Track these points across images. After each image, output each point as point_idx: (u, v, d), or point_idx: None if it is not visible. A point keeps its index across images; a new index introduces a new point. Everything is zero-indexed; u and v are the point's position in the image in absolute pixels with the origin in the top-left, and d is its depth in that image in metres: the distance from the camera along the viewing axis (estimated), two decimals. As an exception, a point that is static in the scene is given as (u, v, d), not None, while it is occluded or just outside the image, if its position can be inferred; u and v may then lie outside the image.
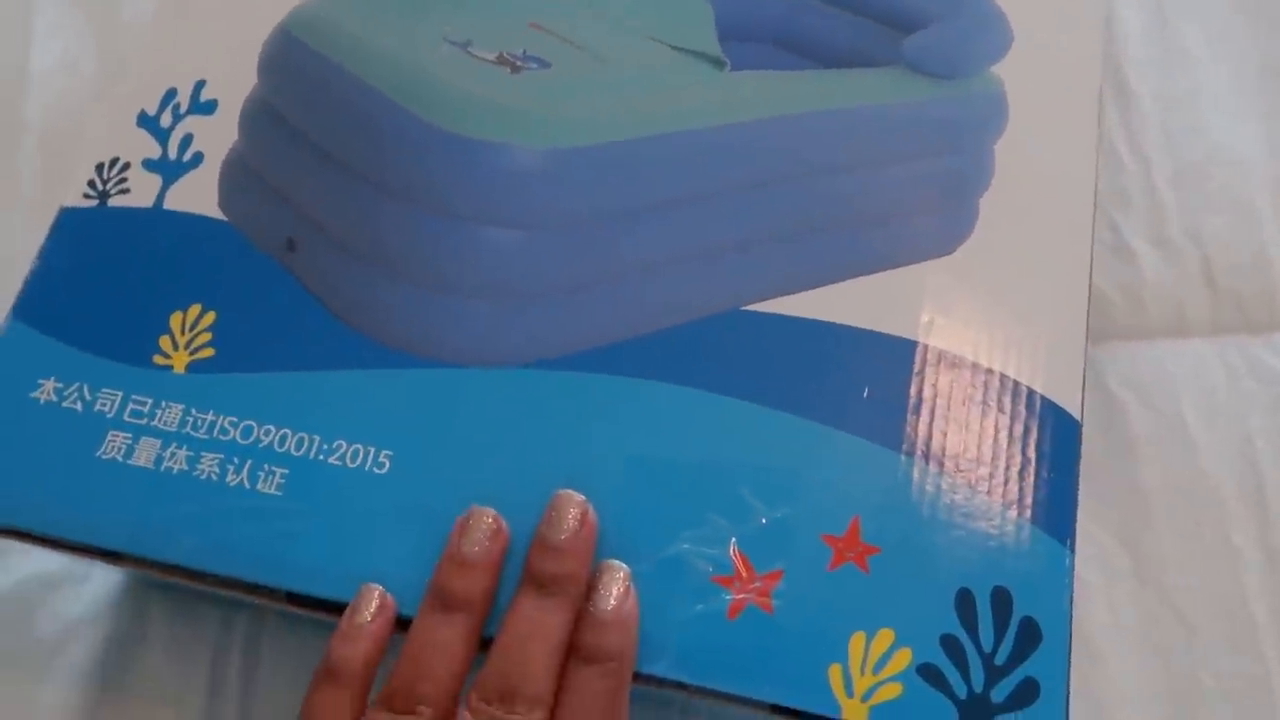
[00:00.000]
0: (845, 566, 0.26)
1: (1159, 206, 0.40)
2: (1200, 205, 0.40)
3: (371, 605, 0.25)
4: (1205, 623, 0.35)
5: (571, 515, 0.25)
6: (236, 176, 0.31)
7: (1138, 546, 0.36)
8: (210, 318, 0.29)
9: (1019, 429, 0.27)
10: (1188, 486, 0.37)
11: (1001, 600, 0.25)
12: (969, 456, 0.27)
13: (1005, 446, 0.27)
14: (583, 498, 0.26)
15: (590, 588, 0.25)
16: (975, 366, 0.28)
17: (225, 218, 0.31)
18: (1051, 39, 0.32)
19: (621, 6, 0.33)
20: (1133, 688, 0.34)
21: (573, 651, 0.24)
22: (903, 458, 0.27)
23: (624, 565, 0.25)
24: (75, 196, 0.32)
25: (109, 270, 0.30)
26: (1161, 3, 0.43)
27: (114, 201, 0.31)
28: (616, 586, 0.25)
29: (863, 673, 0.25)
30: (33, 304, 0.30)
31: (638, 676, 0.25)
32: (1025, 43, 0.32)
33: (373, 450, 0.28)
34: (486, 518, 0.26)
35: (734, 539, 0.26)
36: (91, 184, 0.32)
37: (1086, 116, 0.31)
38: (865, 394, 0.27)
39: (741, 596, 0.26)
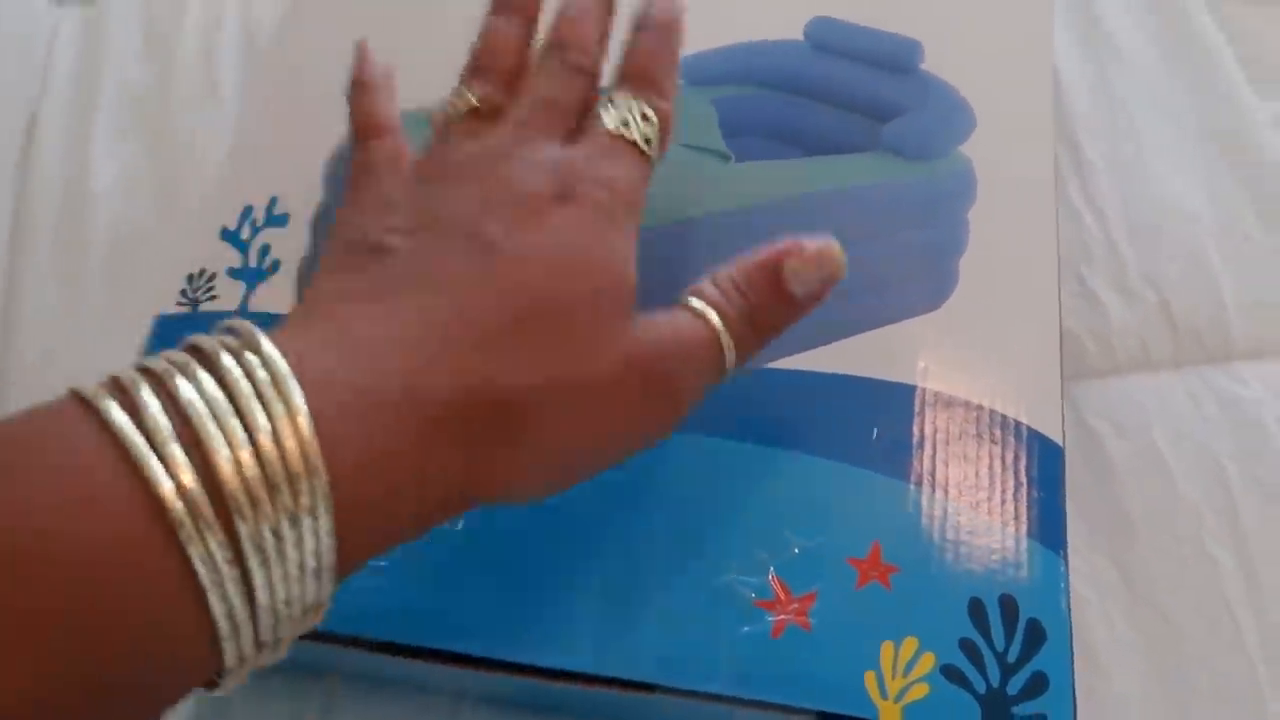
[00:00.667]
0: (870, 585, 0.30)
1: (1119, 258, 0.45)
2: (1155, 255, 0.45)
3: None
4: (1193, 629, 0.39)
5: None
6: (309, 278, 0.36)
7: (1126, 564, 0.40)
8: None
9: (1010, 456, 0.31)
10: (1166, 507, 0.40)
11: (1009, 606, 0.29)
12: (969, 483, 0.31)
13: (999, 472, 0.31)
14: None
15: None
16: (968, 404, 0.32)
17: (303, 315, 0.35)
18: (1008, 120, 0.37)
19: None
20: (1133, 691, 0.37)
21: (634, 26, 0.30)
22: (912, 487, 0.31)
23: None
24: (169, 305, 0.36)
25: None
26: (1106, 77, 0.49)
27: (204, 307, 0.36)
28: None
29: (894, 677, 0.28)
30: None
31: (692, 694, 0.29)
32: (987, 124, 0.37)
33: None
34: None
35: (772, 568, 0.30)
36: (183, 292, 0.36)
37: (1044, 183, 0.36)
38: (875, 434, 0.32)
39: (782, 617, 0.29)
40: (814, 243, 0.27)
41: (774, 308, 0.27)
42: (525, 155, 0.26)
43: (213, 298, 0.36)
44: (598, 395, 0.24)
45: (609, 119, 0.27)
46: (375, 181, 0.27)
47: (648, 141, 0.28)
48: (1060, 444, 0.31)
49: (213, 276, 0.36)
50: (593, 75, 0.29)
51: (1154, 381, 0.42)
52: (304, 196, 0.37)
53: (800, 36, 0.39)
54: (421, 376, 0.22)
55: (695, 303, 0.27)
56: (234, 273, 0.36)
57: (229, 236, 0.37)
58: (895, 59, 0.38)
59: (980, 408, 0.32)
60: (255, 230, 0.37)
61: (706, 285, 0.27)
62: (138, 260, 0.46)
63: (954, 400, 0.32)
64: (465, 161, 0.26)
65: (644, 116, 0.28)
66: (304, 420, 0.19)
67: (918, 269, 0.34)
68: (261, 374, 0.20)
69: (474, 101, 0.28)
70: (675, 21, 0.30)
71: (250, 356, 0.20)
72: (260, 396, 0.19)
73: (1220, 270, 0.44)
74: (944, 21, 0.39)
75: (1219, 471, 0.41)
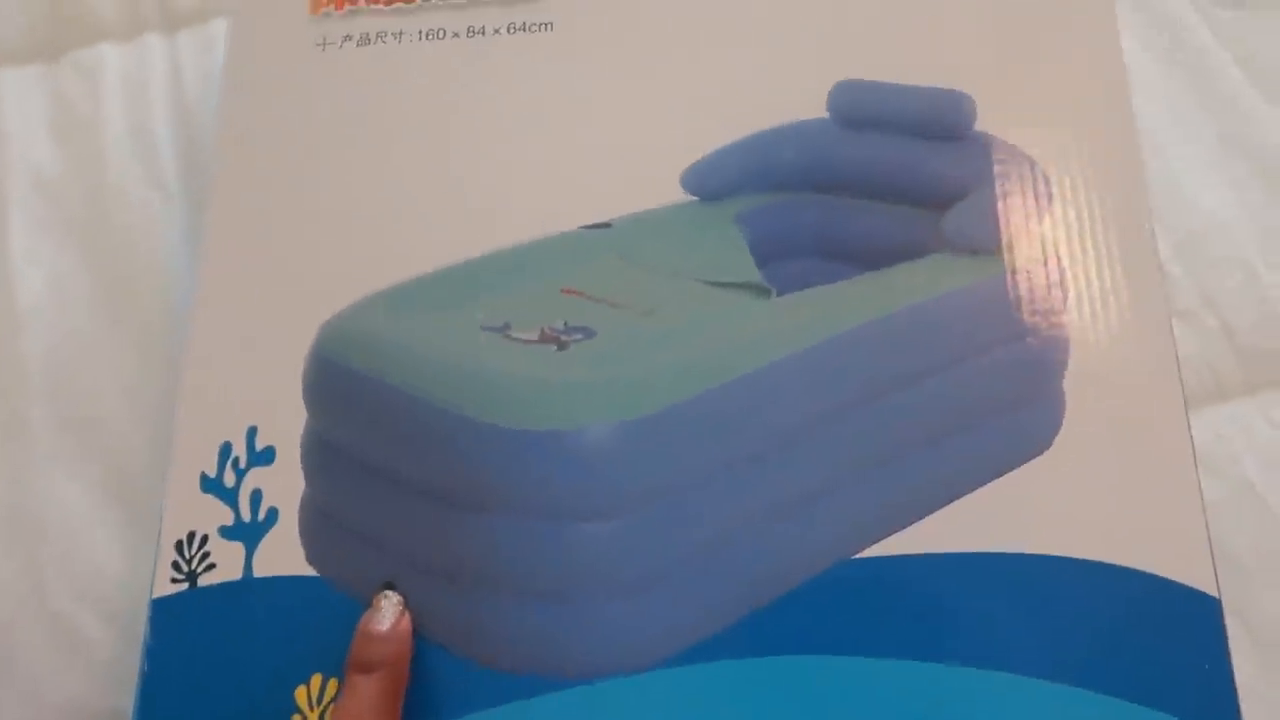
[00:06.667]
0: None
1: (1171, 279, 0.41)
2: (1206, 274, 0.41)
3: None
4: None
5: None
6: (315, 526, 0.31)
7: (1244, 611, 0.37)
8: (334, 685, 0.29)
9: (1170, 629, 0.27)
10: (1272, 542, 0.37)
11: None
12: (1129, 668, 0.27)
13: (1160, 649, 0.27)
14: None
15: (371, 610, 0.29)
16: (1109, 568, 0.28)
17: (318, 573, 0.30)
18: (1091, 181, 0.31)
19: (650, 251, 0.32)
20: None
21: (353, 666, 0.28)
22: (1066, 688, 0.27)
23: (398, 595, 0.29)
24: (162, 583, 0.31)
25: (219, 657, 0.30)
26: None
27: (204, 580, 0.31)
28: (391, 608, 0.29)
29: None
30: (152, 713, 0.29)
31: None
32: (1065, 190, 0.31)
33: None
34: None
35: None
36: (176, 565, 0.31)
37: (1148, 259, 0.31)
38: (1010, 623, 0.27)
39: None
40: None
41: None
42: None
43: (210, 567, 0.31)
44: None
45: None
46: None
47: None
48: (1217, 595, 0.27)
49: (205, 540, 0.31)
50: None
51: (1231, 411, 0.39)
52: (287, 421, 0.32)
53: (823, 109, 0.33)
54: None
55: None
56: (227, 532, 0.31)
57: (211, 487, 0.31)
58: (943, 122, 0.32)
59: (1126, 570, 0.28)
60: (240, 473, 0.31)
61: None
62: (87, 389, 0.40)
63: (1089, 565, 0.28)
64: None
65: None
66: None
67: (1016, 397, 0.29)
68: None
69: None
70: None
71: None
72: None
73: (1271, 285, 0.41)
74: (993, 63, 0.32)
75: (1318, 498, 0.38)
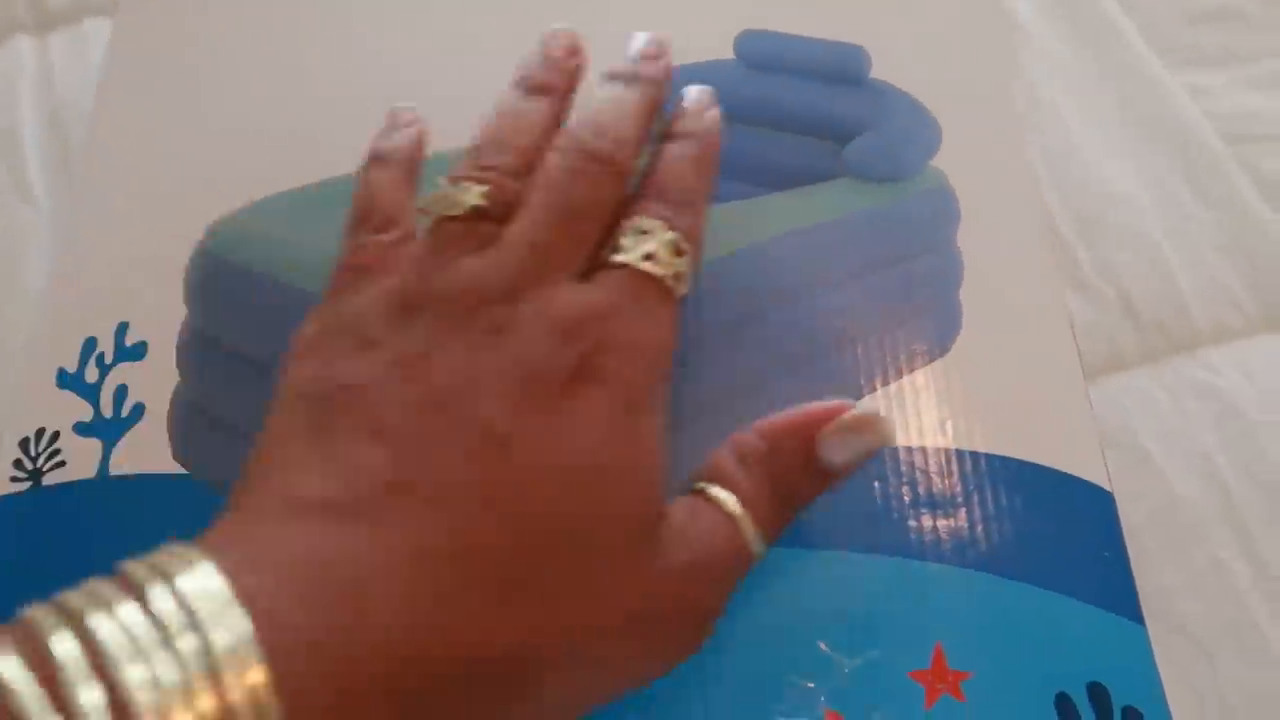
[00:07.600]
0: (941, 700, 0.25)
1: (1071, 253, 0.42)
2: (1105, 246, 0.42)
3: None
4: (1218, 643, 0.36)
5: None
6: (188, 421, 0.28)
7: (1142, 583, 0.37)
8: (194, 588, 0.26)
9: (1064, 514, 0.27)
10: (1169, 514, 0.38)
11: (1099, 696, 0.25)
12: (1028, 555, 0.27)
13: (1057, 537, 0.27)
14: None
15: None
16: (1007, 461, 0.28)
17: (185, 470, 0.28)
18: (974, 124, 0.33)
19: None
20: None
21: (662, 137, 0.25)
22: (965, 571, 0.26)
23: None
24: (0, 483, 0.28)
25: (62, 560, 0.26)
26: (1027, 73, 0.46)
27: (49, 479, 0.28)
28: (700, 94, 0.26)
29: (990, 808, 0.24)
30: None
31: None
32: (953, 132, 0.33)
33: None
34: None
35: (822, 699, 0.25)
36: (18, 463, 0.28)
37: (1027, 190, 0.32)
38: (904, 513, 0.27)
39: (847, 760, 0.24)
40: (853, 410, 0.24)
41: (808, 485, 0.24)
42: (538, 307, 0.21)
43: (59, 465, 0.28)
44: (616, 639, 0.21)
45: (633, 249, 0.23)
46: (355, 297, 0.22)
47: (678, 279, 0.23)
48: (1109, 489, 0.28)
49: (55, 436, 0.28)
50: (623, 176, 0.24)
51: (1128, 381, 0.40)
52: (163, 317, 0.29)
53: (730, 54, 0.34)
54: (408, 634, 0.18)
55: (723, 497, 0.23)
56: (83, 429, 0.28)
57: (69, 382, 0.29)
58: (842, 70, 0.33)
59: (1023, 464, 0.28)
60: (104, 368, 0.29)
61: (731, 466, 0.23)
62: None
63: (986, 459, 0.28)
64: (461, 296, 0.21)
65: (677, 250, 0.23)
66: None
67: (918, 308, 0.30)
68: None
69: (477, 200, 0.23)
70: (714, 136, 0.26)
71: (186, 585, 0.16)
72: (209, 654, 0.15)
73: (1169, 253, 0.42)
74: (883, 20, 0.35)
75: (1209, 466, 0.39)
